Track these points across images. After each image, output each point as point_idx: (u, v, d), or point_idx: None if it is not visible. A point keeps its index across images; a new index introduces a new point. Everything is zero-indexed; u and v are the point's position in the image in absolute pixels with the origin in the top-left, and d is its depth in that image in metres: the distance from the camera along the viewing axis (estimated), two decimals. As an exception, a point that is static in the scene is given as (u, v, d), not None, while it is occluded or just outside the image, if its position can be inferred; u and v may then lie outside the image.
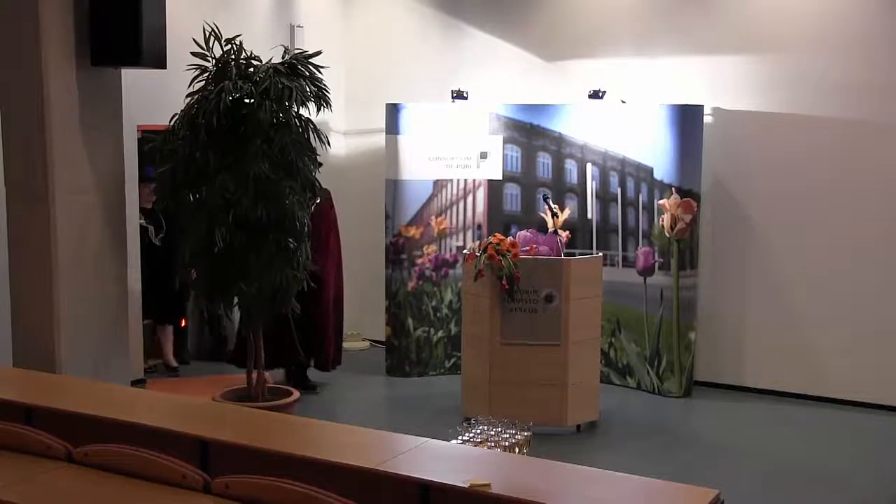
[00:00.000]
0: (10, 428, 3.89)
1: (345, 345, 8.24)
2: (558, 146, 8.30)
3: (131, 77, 6.50)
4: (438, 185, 8.47)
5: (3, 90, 5.72)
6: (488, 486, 3.15)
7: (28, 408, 4.13)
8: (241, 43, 6.18)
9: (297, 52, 6.35)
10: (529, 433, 4.11)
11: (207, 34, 6.08)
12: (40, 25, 5.52)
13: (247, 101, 6.03)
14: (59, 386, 4.69)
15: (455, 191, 8.45)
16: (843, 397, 7.61)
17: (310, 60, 6.24)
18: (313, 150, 6.28)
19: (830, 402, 7.63)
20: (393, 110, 8.48)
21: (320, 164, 6.49)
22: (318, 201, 7.27)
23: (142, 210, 7.85)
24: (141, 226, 7.84)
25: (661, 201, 7.83)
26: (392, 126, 8.47)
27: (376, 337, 9.09)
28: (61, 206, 5.67)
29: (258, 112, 5.94)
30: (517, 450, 3.97)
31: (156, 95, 7.08)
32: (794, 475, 6.17)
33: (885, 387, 7.31)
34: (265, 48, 6.49)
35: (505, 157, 8.37)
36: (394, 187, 8.37)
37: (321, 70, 6.27)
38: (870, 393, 7.39)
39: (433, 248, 8.47)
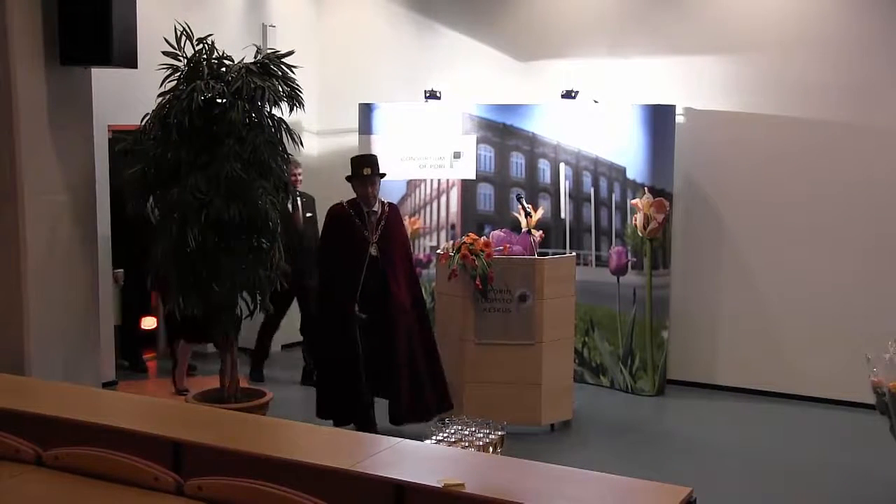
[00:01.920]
0: (-23, 431, 3.85)
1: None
2: (531, 146, 8.32)
3: (102, 76, 6.45)
4: (412, 185, 8.47)
5: (-28, 90, 5.67)
6: (462, 485, 3.15)
7: (-4, 411, 4.09)
8: (212, 42, 6.15)
9: (269, 51, 6.32)
10: (503, 433, 4.11)
11: (179, 33, 6.04)
12: (7, 24, 5.47)
13: (219, 100, 6.01)
14: (29, 388, 4.64)
15: (428, 191, 8.45)
16: (814, 395, 7.67)
17: (282, 60, 6.22)
18: (286, 150, 6.26)
19: (801, 400, 7.69)
20: (366, 110, 8.47)
21: (297, 164, 6.63)
22: (381, 212, 6.64)
23: None
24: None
25: (633, 201, 7.86)
26: (365, 126, 8.45)
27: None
28: (30, 206, 5.62)
29: (230, 112, 5.91)
30: (491, 449, 3.97)
31: (127, 95, 7.03)
32: (766, 472, 6.22)
33: (855, 384, 7.36)
34: (237, 48, 6.47)
35: (478, 156, 8.38)
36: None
37: (294, 70, 6.24)
38: (841, 390, 7.45)
39: (407, 248, 8.45)
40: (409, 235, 7.31)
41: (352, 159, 6.69)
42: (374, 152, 8.22)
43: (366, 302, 6.46)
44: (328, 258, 6.69)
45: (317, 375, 6.96)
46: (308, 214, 8.02)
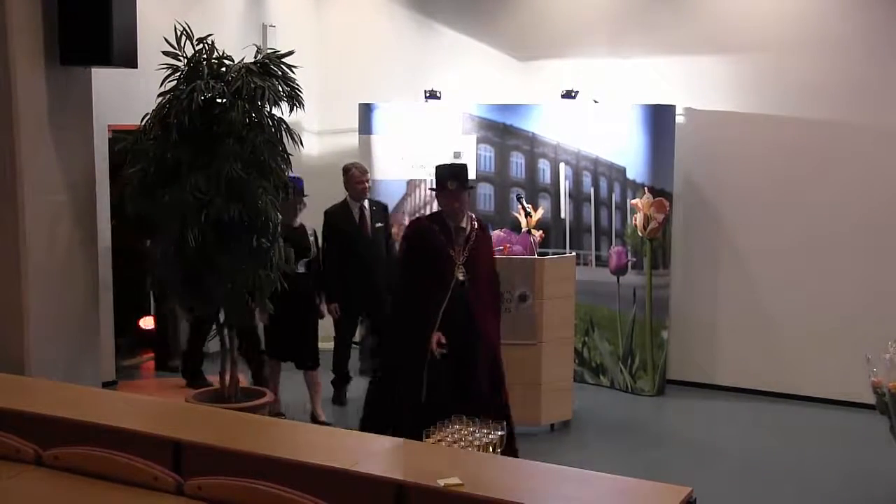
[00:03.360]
0: (-23, 431, 3.86)
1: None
2: (531, 146, 8.32)
3: (102, 76, 6.45)
4: (412, 185, 8.46)
5: (-28, 90, 5.67)
6: (462, 485, 3.15)
7: (-4, 411, 4.09)
8: (212, 42, 6.14)
9: (269, 51, 6.31)
10: (503, 432, 4.11)
11: (179, 33, 6.03)
12: (7, 24, 5.46)
13: (219, 100, 5.99)
14: (29, 388, 4.64)
15: (428, 191, 8.45)
16: (813, 395, 7.67)
17: (282, 60, 6.20)
18: (286, 150, 6.26)
19: (801, 400, 7.69)
20: (366, 110, 8.47)
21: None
22: (470, 230, 5.74)
23: (285, 227, 6.69)
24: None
25: (633, 201, 7.86)
26: (365, 126, 8.45)
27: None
28: (30, 206, 5.62)
29: (230, 112, 5.90)
30: (491, 449, 3.96)
31: (127, 95, 7.02)
32: (766, 472, 6.22)
33: (854, 385, 7.36)
34: (237, 48, 6.45)
35: (478, 156, 8.38)
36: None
37: (294, 70, 6.23)
38: (840, 391, 7.45)
39: (407, 248, 8.44)
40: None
41: (436, 168, 5.86)
42: (373, 152, 8.27)
43: (446, 334, 5.55)
44: (406, 280, 5.82)
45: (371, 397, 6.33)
46: (378, 224, 7.49)
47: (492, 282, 5.87)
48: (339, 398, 7.62)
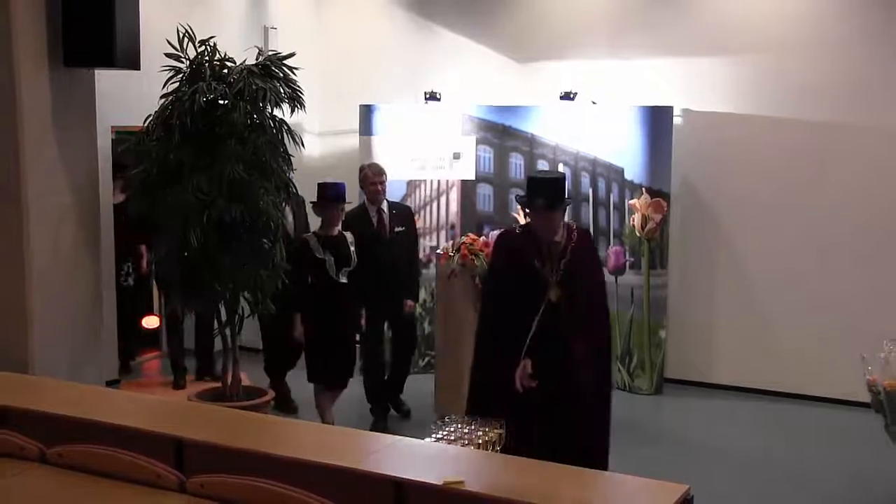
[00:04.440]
0: (-19, 429, 3.87)
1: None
2: (530, 147, 8.32)
3: (105, 78, 6.45)
4: (412, 185, 8.47)
5: (-25, 91, 5.67)
6: (462, 483, 3.16)
7: (0, 409, 4.10)
8: (214, 44, 6.16)
9: (270, 53, 6.33)
10: (501, 431, 4.11)
11: (181, 35, 6.05)
12: (11, 26, 5.46)
13: (221, 102, 6.01)
14: (33, 386, 4.65)
15: (428, 191, 8.46)
16: (810, 393, 7.68)
17: (283, 62, 6.22)
18: (287, 151, 6.27)
19: (798, 398, 7.70)
20: (366, 111, 8.48)
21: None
22: (566, 242, 4.85)
23: (319, 236, 6.39)
24: (315, 257, 6.33)
25: (631, 201, 7.87)
26: (366, 127, 8.46)
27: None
28: (34, 207, 5.62)
29: (232, 113, 5.92)
30: (490, 447, 3.97)
31: (129, 96, 7.02)
32: (763, 471, 6.23)
33: (851, 383, 7.37)
34: (239, 50, 6.47)
35: (478, 157, 8.39)
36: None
37: (295, 71, 6.25)
38: (837, 389, 7.45)
39: (407, 248, 8.45)
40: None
41: (528, 179, 5.11)
42: (374, 153, 8.26)
43: (535, 359, 4.73)
44: (489, 301, 5.10)
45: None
46: (400, 228, 6.93)
47: (592, 303, 4.92)
48: (383, 426, 6.87)
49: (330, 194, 6.40)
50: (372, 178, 6.88)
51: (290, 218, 7.04)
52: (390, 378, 7.19)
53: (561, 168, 8.20)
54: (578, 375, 4.70)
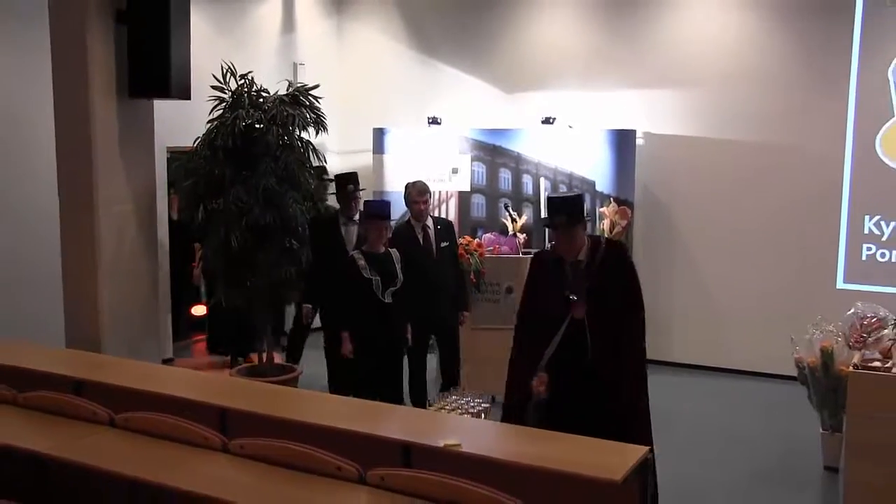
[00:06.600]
0: (62, 398, 3.92)
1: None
2: (517, 163, 8.34)
3: (161, 106, 6.48)
4: (417, 195, 8.45)
5: (59, 118, 5.70)
6: (459, 445, 3.20)
7: (77, 381, 4.15)
8: (252, 78, 6.20)
9: (299, 85, 6.37)
10: (489, 404, 4.15)
11: (224, 71, 6.10)
12: (88, 64, 5.52)
13: (257, 126, 6.06)
14: (103, 363, 4.70)
15: (431, 201, 8.45)
16: (748, 369, 7.72)
17: (310, 92, 6.27)
18: (312, 167, 6.30)
19: (739, 374, 7.74)
20: (379, 134, 8.49)
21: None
22: (592, 259, 4.12)
23: (365, 254, 5.34)
24: (364, 276, 5.26)
25: (601, 209, 7.89)
26: (378, 147, 8.48)
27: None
28: (103, 214, 5.65)
29: (266, 135, 5.97)
30: (483, 416, 4.01)
31: (181, 121, 7.05)
32: (711, 434, 6.26)
33: (782, 361, 7.39)
34: (272, 82, 6.51)
35: (472, 172, 8.39)
36: (380, 198, 8.35)
37: (319, 100, 6.29)
38: (770, 366, 7.46)
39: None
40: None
41: (547, 199, 4.48)
42: (385, 168, 8.27)
43: (559, 377, 4.10)
44: (519, 318, 4.36)
45: None
46: (444, 243, 5.98)
47: (623, 322, 4.21)
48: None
49: (374, 212, 5.42)
50: (415, 196, 5.88)
51: (353, 236, 6.20)
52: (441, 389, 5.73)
53: (542, 181, 8.21)
54: (607, 397, 4.05)
